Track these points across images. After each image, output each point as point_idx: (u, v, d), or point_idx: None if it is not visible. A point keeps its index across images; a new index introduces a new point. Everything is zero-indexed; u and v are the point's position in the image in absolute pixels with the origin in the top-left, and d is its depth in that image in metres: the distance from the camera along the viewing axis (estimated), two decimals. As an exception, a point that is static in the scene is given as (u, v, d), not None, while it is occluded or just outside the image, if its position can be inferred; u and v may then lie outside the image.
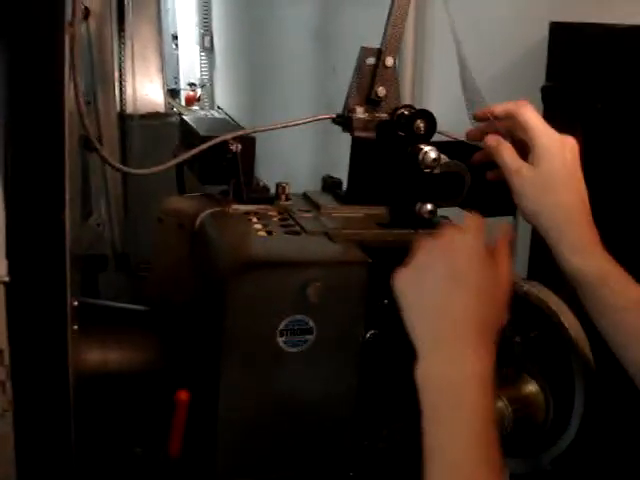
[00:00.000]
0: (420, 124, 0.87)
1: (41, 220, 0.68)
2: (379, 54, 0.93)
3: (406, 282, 0.68)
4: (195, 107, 4.21)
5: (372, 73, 0.93)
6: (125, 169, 0.86)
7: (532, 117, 0.80)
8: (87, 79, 2.47)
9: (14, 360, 0.69)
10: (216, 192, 0.96)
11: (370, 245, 0.83)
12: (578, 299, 0.79)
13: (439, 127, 0.90)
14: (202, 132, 0.94)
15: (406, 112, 0.89)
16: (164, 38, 5.01)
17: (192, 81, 4.49)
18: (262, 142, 0.96)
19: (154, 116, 2.99)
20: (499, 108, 0.83)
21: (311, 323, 0.77)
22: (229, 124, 1.03)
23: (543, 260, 1.00)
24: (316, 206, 0.93)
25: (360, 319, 0.79)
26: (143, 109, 3.06)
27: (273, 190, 0.96)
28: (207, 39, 4.16)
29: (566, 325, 0.82)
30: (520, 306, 0.84)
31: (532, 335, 0.88)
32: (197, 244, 0.90)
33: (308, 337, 0.77)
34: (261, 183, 0.97)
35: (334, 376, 0.80)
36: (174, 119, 3.30)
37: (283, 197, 0.95)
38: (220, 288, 0.75)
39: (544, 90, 1.15)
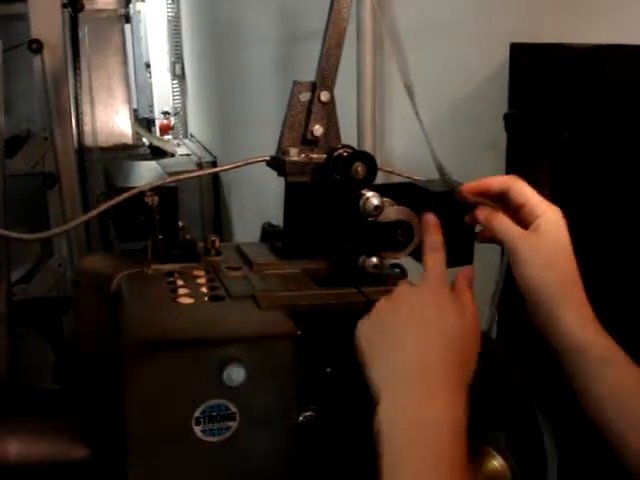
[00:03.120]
0: (358, 167, 0.76)
1: None
2: (314, 88, 0.82)
3: (370, 330, 0.67)
4: (168, 136, 4.11)
5: (307, 110, 0.83)
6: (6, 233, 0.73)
7: (530, 190, 0.75)
8: (43, 114, 2.36)
9: None
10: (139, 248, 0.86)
11: (304, 309, 0.72)
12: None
13: (400, 166, 0.79)
14: (119, 183, 0.83)
15: (344, 153, 0.79)
16: (138, 67, 4.94)
17: (166, 109, 4.40)
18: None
19: (120, 148, 2.89)
20: (494, 183, 0.76)
21: (232, 408, 0.65)
22: (156, 172, 0.92)
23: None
24: (248, 262, 0.82)
25: (291, 398, 0.68)
26: (110, 142, 2.96)
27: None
28: (178, 66, 4.07)
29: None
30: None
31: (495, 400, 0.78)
32: (113, 311, 0.79)
33: (230, 424, 0.66)
34: (188, 236, 0.86)
35: (264, 465, 0.69)
36: (142, 151, 3.20)
37: (212, 252, 0.84)
38: (122, 371, 0.64)
39: (507, 118, 1.05)
